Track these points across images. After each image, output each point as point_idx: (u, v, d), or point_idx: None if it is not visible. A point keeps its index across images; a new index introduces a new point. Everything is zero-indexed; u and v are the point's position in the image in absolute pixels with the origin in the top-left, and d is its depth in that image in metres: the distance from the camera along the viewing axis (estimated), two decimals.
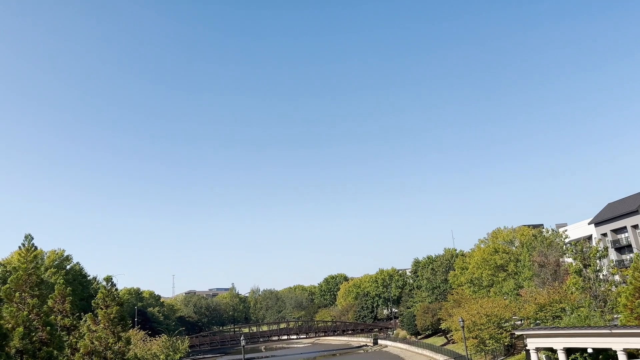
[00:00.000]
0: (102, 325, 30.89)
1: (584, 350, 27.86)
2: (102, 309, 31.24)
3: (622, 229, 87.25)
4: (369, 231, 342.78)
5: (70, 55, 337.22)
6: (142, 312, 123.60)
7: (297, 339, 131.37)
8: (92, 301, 32.46)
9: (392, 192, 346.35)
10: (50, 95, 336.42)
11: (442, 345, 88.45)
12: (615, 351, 25.97)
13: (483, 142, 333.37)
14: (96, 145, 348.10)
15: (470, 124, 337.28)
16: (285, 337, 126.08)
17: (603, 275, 51.21)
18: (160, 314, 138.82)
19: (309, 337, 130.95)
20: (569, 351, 28.41)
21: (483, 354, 58.82)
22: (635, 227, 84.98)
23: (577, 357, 28.04)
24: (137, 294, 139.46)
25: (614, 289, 49.35)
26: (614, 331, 25.78)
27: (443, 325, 79.75)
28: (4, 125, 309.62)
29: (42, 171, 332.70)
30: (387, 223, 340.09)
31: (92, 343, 30.15)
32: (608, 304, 45.82)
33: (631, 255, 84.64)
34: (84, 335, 30.89)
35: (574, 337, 27.69)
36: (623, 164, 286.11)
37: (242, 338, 49.71)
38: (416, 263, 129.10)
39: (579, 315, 41.35)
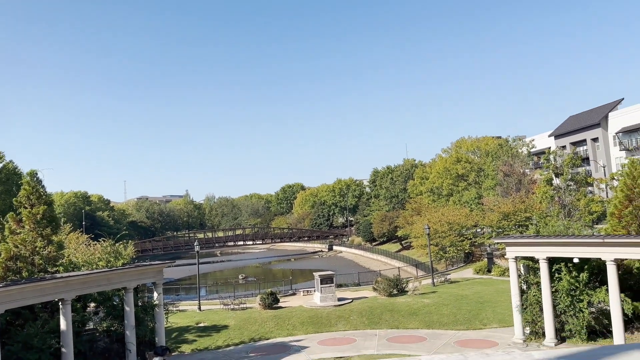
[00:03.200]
0: (27, 227, 26.47)
1: (569, 260, 25.89)
2: (26, 208, 26.58)
3: (582, 142, 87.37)
4: (327, 142, 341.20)
5: None
6: (91, 216, 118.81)
7: (252, 244, 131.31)
8: (14, 199, 27.58)
9: (350, 105, 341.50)
10: None
11: (397, 251, 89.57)
12: (604, 261, 23.97)
13: (440, 55, 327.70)
14: (43, 43, 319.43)
15: (426, 39, 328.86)
16: (241, 243, 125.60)
17: (570, 184, 50.24)
18: (110, 219, 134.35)
19: (265, 243, 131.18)
20: (551, 261, 26.40)
21: (443, 260, 58.63)
22: (595, 140, 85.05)
23: (561, 267, 26.10)
24: (84, 197, 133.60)
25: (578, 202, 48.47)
26: (606, 240, 23.66)
27: (400, 233, 79.77)
28: None
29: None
30: (345, 134, 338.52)
31: (16, 247, 25.87)
32: (576, 213, 45.00)
33: (588, 167, 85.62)
34: (7, 238, 26.51)
35: (560, 246, 25.58)
36: (587, 77, 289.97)
37: (195, 243, 46.51)
38: (375, 173, 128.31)
39: (545, 224, 40.04)
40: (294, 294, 45.50)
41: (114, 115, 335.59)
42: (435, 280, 46.01)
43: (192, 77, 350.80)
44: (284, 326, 34.24)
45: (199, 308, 40.19)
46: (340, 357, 27.31)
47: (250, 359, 28.27)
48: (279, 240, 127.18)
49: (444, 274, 50.60)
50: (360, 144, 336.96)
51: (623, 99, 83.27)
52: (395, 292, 40.99)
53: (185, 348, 31.13)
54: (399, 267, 56.12)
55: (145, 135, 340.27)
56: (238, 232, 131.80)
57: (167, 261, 33.92)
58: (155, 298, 28.24)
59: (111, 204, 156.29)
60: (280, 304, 39.28)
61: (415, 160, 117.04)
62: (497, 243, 51.71)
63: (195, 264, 45.30)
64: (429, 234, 48.92)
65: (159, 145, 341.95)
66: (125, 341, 26.03)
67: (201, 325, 35.35)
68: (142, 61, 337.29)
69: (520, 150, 69.51)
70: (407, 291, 41.58)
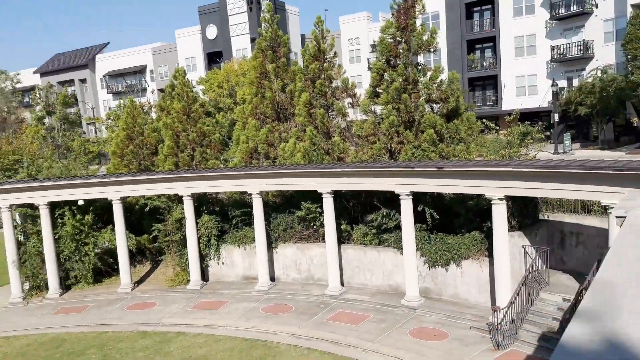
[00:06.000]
0: None
1: (73, 203, 24.28)
2: None
3: (71, 82, 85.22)
4: None
5: None
6: None
7: None
8: None
9: None
10: None
11: None
12: (110, 200, 23.86)
13: None
14: None
15: None
16: None
17: (64, 124, 48.01)
18: None
19: None
20: (54, 206, 24.10)
21: None
22: (83, 81, 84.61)
23: (65, 212, 24.19)
24: None
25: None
26: (112, 179, 23.38)
27: None
28: None
29: None
30: None
31: None
32: (72, 154, 43.46)
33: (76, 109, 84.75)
34: None
35: (63, 188, 23.48)
36: (73, 17, 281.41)
37: None
38: None
39: (39, 166, 37.08)
40: None
41: None
42: None
43: None
44: None
45: None
46: None
47: None
48: None
49: None
50: None
51: (109, 43, 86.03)
52: None
53: None
54: None
55: None
56: None
57: None
58: None
59: None
60: None
61: None
62: None
63: None
64: None
65: None
66: None
67: None
68: None
69: (3, 86, 60.68)
70: None
